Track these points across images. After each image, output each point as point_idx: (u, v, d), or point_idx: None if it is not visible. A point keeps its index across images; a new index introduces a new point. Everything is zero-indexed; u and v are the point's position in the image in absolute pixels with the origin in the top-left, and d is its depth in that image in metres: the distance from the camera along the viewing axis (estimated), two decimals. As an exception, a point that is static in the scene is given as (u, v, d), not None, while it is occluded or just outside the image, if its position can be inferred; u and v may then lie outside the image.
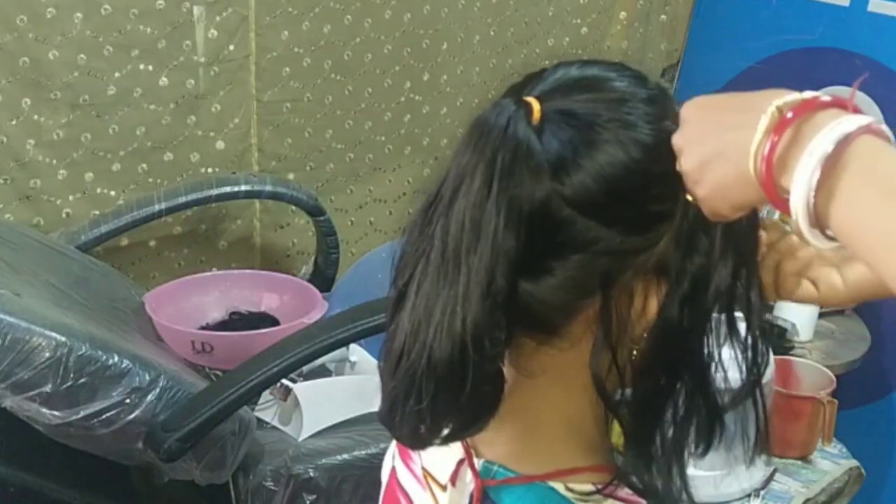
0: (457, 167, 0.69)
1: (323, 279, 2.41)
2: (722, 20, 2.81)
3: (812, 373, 1.94)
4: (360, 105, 2.57)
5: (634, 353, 0.70)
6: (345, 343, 1.80)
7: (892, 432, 2.49)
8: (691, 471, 0.73)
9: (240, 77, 2.38)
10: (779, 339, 2.12)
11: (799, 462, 1.88)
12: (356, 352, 1.99)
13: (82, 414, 1.52)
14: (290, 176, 2.51)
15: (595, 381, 0.69)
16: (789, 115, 0.56)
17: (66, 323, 1.61)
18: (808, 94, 0.57)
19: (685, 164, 0.63)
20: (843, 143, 0.54)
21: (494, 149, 0.67)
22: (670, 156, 0.66)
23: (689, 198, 0.65)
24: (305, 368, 1.90)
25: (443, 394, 0.69)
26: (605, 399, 0.71)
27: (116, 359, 1.56)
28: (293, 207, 2.48)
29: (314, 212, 2.36)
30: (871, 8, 2.45)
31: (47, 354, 1.51)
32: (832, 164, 0.54)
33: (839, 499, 1.87)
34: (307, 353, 1.69)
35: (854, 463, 1.91)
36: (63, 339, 1.53)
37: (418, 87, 2.64)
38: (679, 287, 0.68)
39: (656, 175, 0.66)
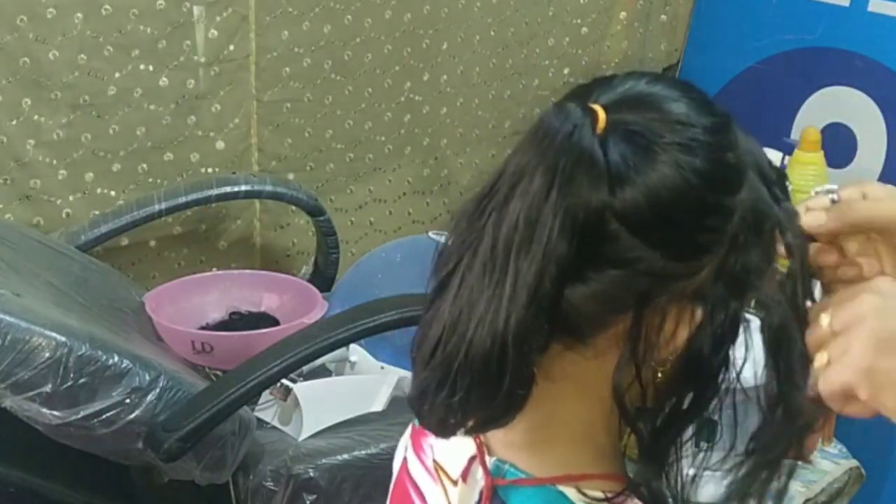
0: (516, 165, 0.68)
1: (323, 279, 2.41)
2: (722, 20, 2.81)
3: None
4: (360, 105, 2.57)
5: (659, 374, 0.70)
6: (345, 343, 1.80)
7: (892, 432, 2.49)
8: (692, 471, 0.74)
9: (240, 77, 2.38)
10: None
11: (799, 462, 1.88)
12: (356, 352, 1.99)
13: (82, 414, 1.52)
14: (290, 176, 2.51)
15: (615, 395, 0.69)
16: None
17: (66, 323, 1.61)
18: None
19: (858, 361, 0.63)
20: None
21: (557, 153, 0.66)
22: (725, 187, 0.67)
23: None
24: (305, 368, 1.90)
25: (478, 389, 0.69)
26: (623, 413, 0.71)
27: (116, 359, 1.56)
28: (293, 207, 2.48)
29: (314, 212, 2.36)
30: (871, 8, 2.45)
31: (47, 354, 1.51)
32: None
33: (839, 499, 1.87)
34: (307, 353, 1.69)
35: (854, 463, 1.92)
36: (63, 339, 1.53)
37: (418, 87, 2.64)
38: (712, 321, 0.68)
39: (709, 204, 0.66)
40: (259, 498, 1.70)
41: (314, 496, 1.71)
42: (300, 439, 1.80)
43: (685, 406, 0.72)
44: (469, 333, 0.68)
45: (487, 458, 0.77)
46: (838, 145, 2.43)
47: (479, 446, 0.77)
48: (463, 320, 0.69)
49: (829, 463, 1.90)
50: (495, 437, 0.77)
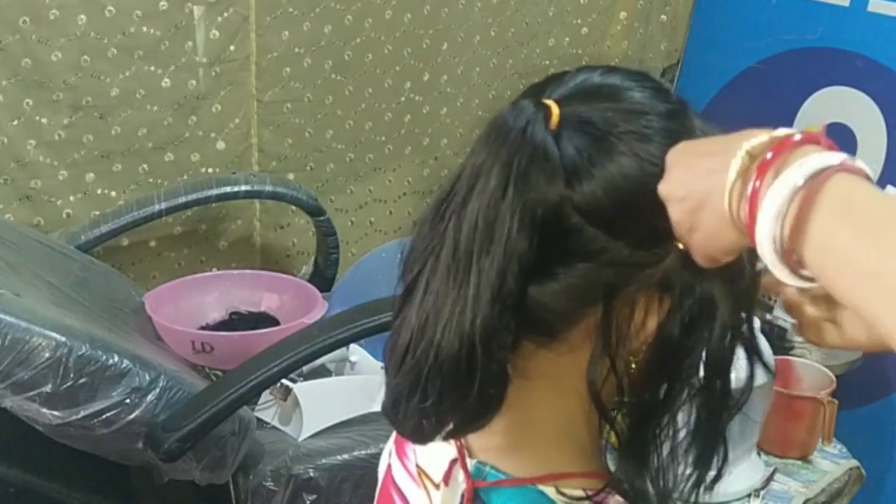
0: (472, 166, 0.68)
1: (323, 279, 2.41)
2: (722, 20, 2.81)
3: (812, 373, 1.94)
4: (361, 105, 2.57)
5: (633, 364, 0.70)
6: (345, 343, 1.80)
7: (892, 432, 2.49)
8: (691, 471, 0.73)
9: (240, 77, 2.38)
10: (779, 339, 2.12)
11: (799, 462, 1.88)
12: (356, 352, 1.99)
13: (82, 414, 1.52)
14: (290, 176, 2.51)
15: (590, 389, 0.69)
16: (769, 155, 0.55)
17: (66, 323, 1.61)
18: (780, 131, 0.56)
19: (674, 213, 0.62)
20: (817, 179, 0.53)
21: (511, 151, 0.66)
22: None
23: (681, 245, 0.65)
24: (305, 368, 1.90)
25: (449, 392, 0.69)
26: (599, 407, 0.71)
27: (116, 359, 1.56)
28: (293, 207, 2.48)
29: (314, 212, 2.36)
30: (871, 8, 2.45)
31: (47, 354, 1.51)
32: (806, 202, 0.52)
33: (839, 499, 1.87)
34: (307, 353, 1.69)
35: (854, 463, 1.92)
36: (63, 339, 1.53)
37: (418, 87, 2.64)
38: (681, 306, 0.68)
39: None
40: (259, 498, 1.70)
41: (314, 496, 1.71)
42: (300, 439, 1.81)
43: (661, 396, 0.72)
44: (437, 337, 0.68)
45: (468, 461, 0.77)
46: (838, 145, 2.42)
47: (460, 449, 0.77)
48: (430, 324, 0.69)
49: (829, 463, 1.90)
50: (476, 439, 0.77)
